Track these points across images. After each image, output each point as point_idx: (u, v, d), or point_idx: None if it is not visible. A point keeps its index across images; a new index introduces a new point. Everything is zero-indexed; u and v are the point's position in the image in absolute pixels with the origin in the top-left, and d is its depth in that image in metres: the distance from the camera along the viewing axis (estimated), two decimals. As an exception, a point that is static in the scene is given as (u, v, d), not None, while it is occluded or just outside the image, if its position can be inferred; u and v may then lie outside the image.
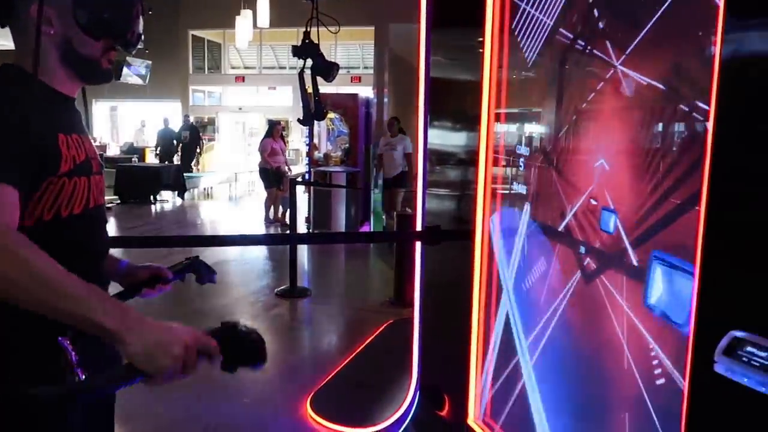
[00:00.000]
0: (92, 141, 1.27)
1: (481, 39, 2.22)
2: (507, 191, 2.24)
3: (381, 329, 4.14)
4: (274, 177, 8.57)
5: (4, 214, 0.97)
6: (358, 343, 3.89)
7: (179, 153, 13.57)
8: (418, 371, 2.71)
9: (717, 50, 1.07)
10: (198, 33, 17.68)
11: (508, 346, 2.09)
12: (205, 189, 13.21)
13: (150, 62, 13.94)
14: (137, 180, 11.00)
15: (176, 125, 14.28)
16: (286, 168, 8.84)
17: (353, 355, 3.69)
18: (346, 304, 5.21)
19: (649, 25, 1.36)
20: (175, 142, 13.64)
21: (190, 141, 13.65)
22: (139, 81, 14.15)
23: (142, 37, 1.26)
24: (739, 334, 0.98)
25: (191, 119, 14.55)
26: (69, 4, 1.12)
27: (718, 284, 1.08)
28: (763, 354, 0.94)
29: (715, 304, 1.08)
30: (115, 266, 1.38)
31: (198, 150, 14.27)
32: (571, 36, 1.75)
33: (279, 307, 4.98)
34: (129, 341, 0.91)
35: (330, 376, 3.37)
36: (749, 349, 0.96)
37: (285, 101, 18.46)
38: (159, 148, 13.48)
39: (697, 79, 1.24)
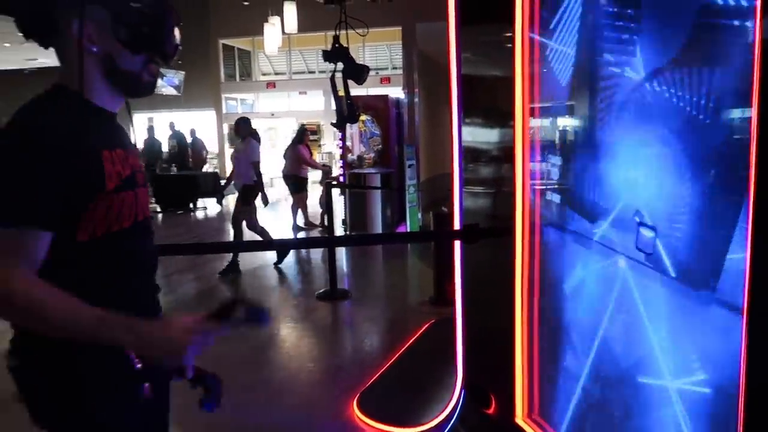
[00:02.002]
0: (137, 154, 1.30)
1: (510, 33, 2.20)
2: (545, 187, 2.22)
3: (423, 329, 4.14)
4: (301, 182, 8.64)
5: (26, 265, 1.03)
6: (400, 343, 3.90)
7: (166, 163, 13.23)
8: (463, 370, 2.71)
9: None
10: (228, 42, 17.97)
11: (560, 343, 2.07)
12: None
13: (183, 73, 14.23)
14: (176, 188, 11.23)
15: (211, 134, 14.34)
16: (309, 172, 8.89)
17: (397, 355, 3.71)
18: (387, 305, 5.23)
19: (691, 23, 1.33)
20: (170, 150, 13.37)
21: (178, 150, 13.54)
22: (174, 92, 14.44)
23: (180, 48, 1.27)
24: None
25: (175, 127, 14.21)
26: (108, 20, 1.14)
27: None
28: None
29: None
30: None
31: (190, 158, 13.73)
32: (610, 27, 1.73)
33: (320, 309, 5.03)
34: (144, 350, 1.06)
35: (375, 377, 3.39)
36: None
37: (316, 105, 18.63)
38: (145, 157, 13.39)
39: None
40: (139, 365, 1.11)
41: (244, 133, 6.46)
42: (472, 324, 2.65)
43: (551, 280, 2.14)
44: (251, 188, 6.32)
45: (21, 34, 1.18)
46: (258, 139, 6.65)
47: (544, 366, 2.20)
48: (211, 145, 19.27)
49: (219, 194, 11.64)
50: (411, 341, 3.94)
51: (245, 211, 6.35)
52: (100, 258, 1.10)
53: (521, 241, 2.25)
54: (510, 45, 2.22)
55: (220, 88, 17.90)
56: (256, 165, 6.24)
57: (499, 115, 2.55)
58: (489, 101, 2.72)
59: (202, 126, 20.19)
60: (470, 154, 2.75)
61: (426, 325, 4.20)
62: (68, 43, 1.14)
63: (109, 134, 1.20)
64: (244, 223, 6.39)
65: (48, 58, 18.85)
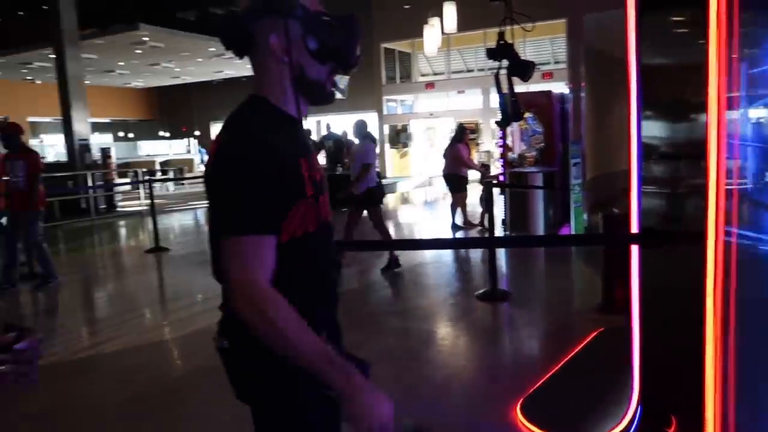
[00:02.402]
0: (317, 158, 1.38)
1: (704, 16, 1.98)
2: (742, 187, 1.96)
3: (591, 337, 3.91)
4: (460, 181, 8.61)
5: (265, 271, 1.12)
6: (564, 349, 3.72)
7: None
8: (640, 385, 2.51)
9: None
10: (389, 45, 18.56)
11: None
12: (402, 194, 13.79)
13: (347, 77, 14.95)
14: (338, 188, 11.82)
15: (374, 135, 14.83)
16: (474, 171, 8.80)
17: (562, 362, 3.54)
18: (549, 309, 5.03)
19: None
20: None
21: (334, 151, 13.98)
22: (340, 96, 15.21)
23: (361, 58, 1.32)
24: None
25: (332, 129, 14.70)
26: (299, 32, 1.21)
27: None
28: None
29: None
30: None
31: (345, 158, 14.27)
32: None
33: (479, 310, 4.98)
34: (349, 401, 1.10)
35: (539, 383, 3.27)
36: None
37: (474, 104, 18.53)
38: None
39: None
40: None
41: (360, 135, 6.61)
42: (650, 336, 2.44)
43: (750, 291, 1.89)
44: (374, 191, 6.38)
45: (211, 50, 1.29)
46: (374, 141, 6.77)
47: (741, 387, 1.95)
48: (373, 146, 20.04)
49: (380, 193, 12.15)
50: (577, 349, 3.74)
51: (376, 211, 6.43)
52: (298, 257, 1.19)
53: (714, 246, 2.01)
54: (703, 29, 2.00)
55: (381, 91, 18.55)
56: (367, 167, 6.24)
57: (688, 107, 2.32)
58: (674, 92, 2.49)
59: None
60: (650, 151, 2.53)
61: (593, 334, 3.96)
62: (264, 55, 1.23)
63: (302, 142, 1.28)
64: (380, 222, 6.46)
65: (231, 70, 20.98)
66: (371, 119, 19.52)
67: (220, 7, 16.60)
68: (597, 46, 9.16)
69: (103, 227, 11.40)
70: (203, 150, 24.69)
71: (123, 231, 11.24)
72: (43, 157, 22.43)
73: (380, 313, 5.04)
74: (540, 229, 7.57)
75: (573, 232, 7.16)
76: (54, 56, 13.26)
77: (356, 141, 6.85)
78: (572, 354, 3.67)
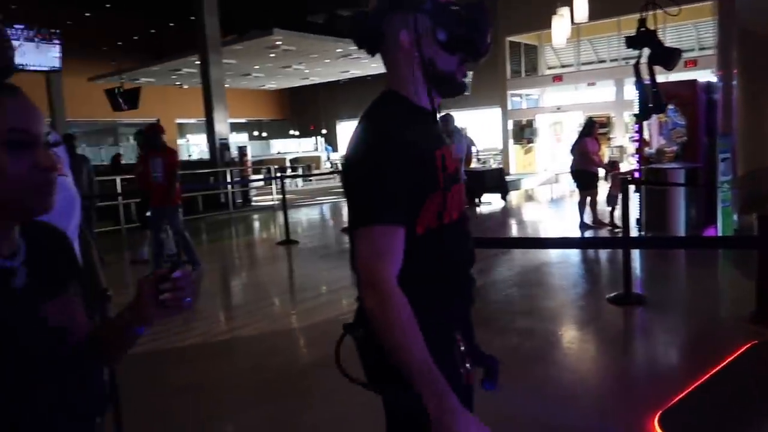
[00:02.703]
0: (450, 149, 1.35)
1: None
2: None
3: (742, 350, 3.53)
4: (590, 178, 8.17)
5: (393, 262, 1.13)
6: (709, 362, 3.40)
7: None
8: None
9: None
10: (514, 39, 18.08)
11: None
12: (526, 191, 13.42)
13: (471, 72, 14.80)
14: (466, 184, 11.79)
15: (496, 131, 14.64)
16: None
17: (708, 375, 3.23)
18: (690, 317, 4.62)
19: None
20: None
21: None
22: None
23: (491, 46, 1.29)
24: None
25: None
26: (428, 25, 1.21)
27: None
28: None
29: None
30: None
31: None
32: None
33: (611, 314, 4.70)
34: (438, 423, 1.05)
35: (680, 396, 3.01)
36: None
37: (606, 96, 17.57)
38: None
39: None
40: (463, 347, 1.18)
41: (449, 129, 6.46)
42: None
43: None
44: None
45: (339, 50, 1.32)
46: (463, 137, 6.56)
47: None
48: (496, 142, 19.71)
49: (503, 190, 11.92)
50: (725, 362, 3.40)
51: None
52: (433, 249, 1.19)
53: None
54: None
55: (506, 85, 18.14)
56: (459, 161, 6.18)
57: None
58: None
59: (487, 123, 20.81)
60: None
61: (745, 346, 3.58)
62: (394, 51, 1.25)
63: (435, 134, 1.28)
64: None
65: (357, 70, 21.59)
66: (494, 115, 19.20)
67: (348, 9, 17.15)
68: (753, 28, 8.28)
69: (239, 220, 12.25)
70: (329, 147, 25.69)
71: (256, 224, 12.00)
72: (189, 155, 24.54)
73: (504, 311, 4.92)
74: (680, 230, 6.98)
75: (720, 234, 6.52)
76: (199, 62, 14.45)
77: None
78: (719, 367, 3.33)
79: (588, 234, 8.11)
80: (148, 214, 6.82)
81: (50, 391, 0.90)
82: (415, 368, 1.07)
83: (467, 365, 1.23)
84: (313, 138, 26.49)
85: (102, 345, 1.01)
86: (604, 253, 6.69)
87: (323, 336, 4.45)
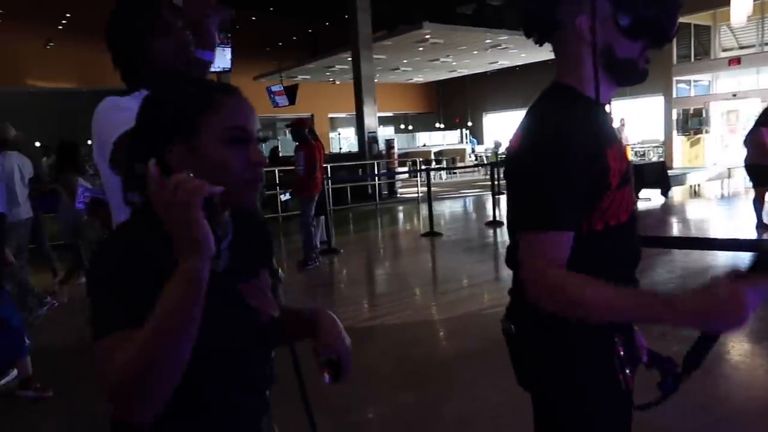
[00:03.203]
0: (622, 144, 1.25)
1: None
2: None
3: None
4: (765, 172, 7.16)
5: (558, 265, 1.08)
6: None
7: None
8: None
9: None
10: (684, 19, 16.45)
11: None
12: (691, 186, 12.23)
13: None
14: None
15: (657, 121, 13.52)
16: None
17: None
18: None
19: None
20: None
21: None
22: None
23: (679, 30, 1.17)
24: None
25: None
26: (609, 10, 1.12)
27: None
28: None
29: None
30: None
31: None
32: None
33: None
34: (694, 324, 1.01)
35: None
36: None
37: (794, 80, 15.43)
38: None
39: None
40: (622, 352, 1.11)
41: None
42: None
43: None
44: None
45: (487, 41, 1.26)
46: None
47: None
48: (657, 133, 18.17)
49: (664, 185, 10.95)
50: None
51: None
52: (600, 251, 1.14)
53: None
54: None
55: (671, 71, 16.59)
56: None
57: None
58: None
59: (647, 113, 19.24)
60: None
61: None
62: (568, 39, 1.17)
63: (606, 129, 1.18)
64: None
65: (506, 60, 21.10)
66: (656, 103, 17.68)
67: (497, -1, 16.80)
68: None
69: (385, 211, 12.59)
70: (474, 140, 25.44)
71: (401, 215, 12.25)
72: (340, 148, 25.71)
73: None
74: None
75: None
76: (351, 59, 15.05)
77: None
78: None
79: (767, 236, 7.16)
80: (285, 198, 7.28)
81: (234, 364, 0.98)
82: (631, 309, 1.03)
83: (627, 371, 1.15)
84: (458, 131, 26.40)
85: (283, 327, 1.09)
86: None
87: (464, 329, 4.42)
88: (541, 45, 1.25)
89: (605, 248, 1.13)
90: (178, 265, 0.83)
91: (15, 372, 3.62)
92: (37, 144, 14.93)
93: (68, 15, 13.99)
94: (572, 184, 1.07)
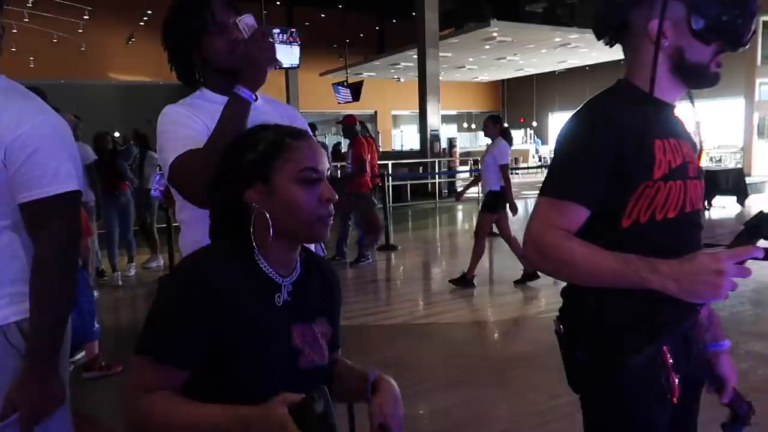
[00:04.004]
0: (695, 146, 1.25)
1: None
2: None
3: None
4: None
5: (560, 224, 1.11)
6: None
7: None
8: None
9: None
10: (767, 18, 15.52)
11: None
12: (771, 196, 11.56)
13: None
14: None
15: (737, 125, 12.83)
16: None
17: None
18: None
19: None
20: None
21: None
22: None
23: (755, 33, 1.15)
24: None
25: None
26: (682, 13, 1.12)
27: None
28: None
29: None
30: None
31: None
32: None
33: None
34: (673, 291, 1.00)
35: None
36: None
37: None
38: None
39: None
40: (671, 360, 1.09)
41: (492, 132, 5.76)
42: None
43: None
44: (496, 195, 5.65)
45: (557, 40, 1.26)
46: (509, 140, 5.67)
47: None
48: (736, 138, 17.24)
49: (741, 193, 10.38)
50: None
51: (488, 220, 5.80)
52: (641, 244, 1.11)
53: None
54: None
55: (755, 72, 15.68)
56: (504, 168, 5.55)
57: None
58: None
59: (724, 116, 18.27)
60: None
61: None
62: (639, 41, 1.19)
63: (664, 124, 1.19)
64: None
65: (575, 59, 20.52)
66: (736, 106, 16.76)
67: (569, -3, 16.36)
68: None
69: (444, 210, 12.54)
70: (539, 140, 24.90)
71: (460, 214, 12.17)
72: (402, 146, 25.71)
73: (731, 330, 4.30)
74: None
75: None
76: (416, 56, 15.05)
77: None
78: None
79: None
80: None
81: (260, 400, 0.92)
82: (614, 272, 1.04)
83: (675, 380, 1.13)
84: (523, 130, 25.91)
85: (336, 380, 1.15)
86: None
87: (519, 331, 4.37)
88: (611, 46, 1.28)
89: (646, 245, 1.10)
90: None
91: (82, 354, 3.80)
92: (116, 134, 15.76)
93: (149, 12, 14.68)
94: (598, 161, 1.11)
